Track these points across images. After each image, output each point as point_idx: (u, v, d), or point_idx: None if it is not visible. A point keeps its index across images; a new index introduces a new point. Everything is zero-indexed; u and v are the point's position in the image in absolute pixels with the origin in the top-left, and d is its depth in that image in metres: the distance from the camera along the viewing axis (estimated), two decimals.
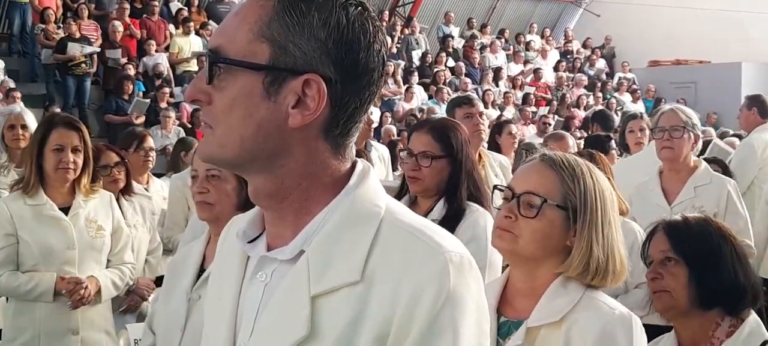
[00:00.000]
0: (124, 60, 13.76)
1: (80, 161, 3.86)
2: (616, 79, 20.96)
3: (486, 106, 14.02)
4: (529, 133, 13.86)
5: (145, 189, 5.40)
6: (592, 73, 21.31)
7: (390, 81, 16.24)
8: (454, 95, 12.03)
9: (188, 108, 13.14)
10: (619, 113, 16.25)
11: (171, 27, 15.11)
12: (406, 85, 16.53)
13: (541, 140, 7.45)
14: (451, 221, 3.12)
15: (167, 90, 13.34)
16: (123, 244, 4.08)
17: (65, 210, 3.85)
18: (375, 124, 10.20)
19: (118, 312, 4.44)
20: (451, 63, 18.54)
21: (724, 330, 2.39)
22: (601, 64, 22.07)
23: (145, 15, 14.94)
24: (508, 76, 19.23)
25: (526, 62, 20.39)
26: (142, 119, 12.46)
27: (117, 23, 13.89)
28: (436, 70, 17.73)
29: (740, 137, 7.78)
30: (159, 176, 6.25)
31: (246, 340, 1.30)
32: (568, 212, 2.08)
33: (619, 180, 3.68)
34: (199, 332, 1.47)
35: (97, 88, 13.88)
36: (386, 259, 1.22)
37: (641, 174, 4.55)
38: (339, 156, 1.30)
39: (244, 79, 1.24)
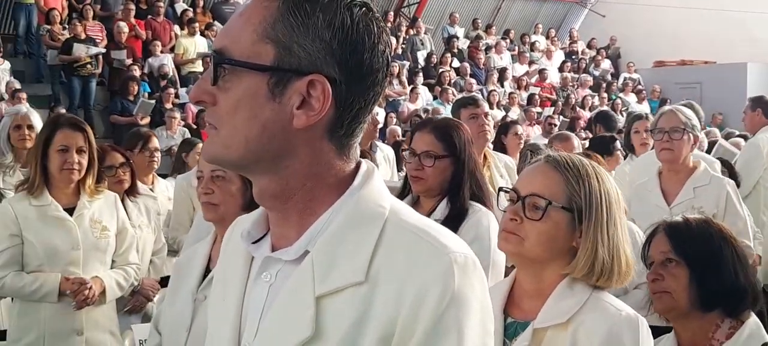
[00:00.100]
0: (129, 61, 13.77)
1: (85, 162, 3.86)
2: (621, 80, 20.93)
3: (491, 107, 13.99)
4: (534, 133, 13.85)
5: (150, 190, 5.41)
6: (597, 73, 21.28)
7: (395, 82, 16.23)
8: (459, 96, 12.03)
9: (193, 109, 13.14)
10: (625, 114, 16.25)
11: (176, 28, 15.12)
12: (411, 86, 16.52)
13: (546, 141, 7.43)
14: (453, 221, 3.12)
15: (172, 91, 13.35)
16: (128, 244, 4.08)
17: (70, 211, 3.86)
18: (380, 125, 10.19)
19: (123, 313, 4.45)
20: (456, 64, 18.53)
21: (724, 332, 2.39)
22: (606, 64, 22.05)
23: (150, 16, 14.95)
24: (513, 76, 19.21)
25: (531, 63, 20.36)
26: (147, 120, 12.47)
27: (122, 24, 13.90)
28: (441, 70, 17.72)
29: (746, 138, 7.76)
30: (164, 176, 6.26)
31: (250, 340, 1.30)
32: (573, 213, 2.07)
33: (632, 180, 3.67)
34: (205, 333, 1.47)
35: (103, 89, 13.90)
36: (391, 259, 1.22)
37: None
38: (343, 156, 1.30)
39: (249, 80, 1.24)
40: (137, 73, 13.53)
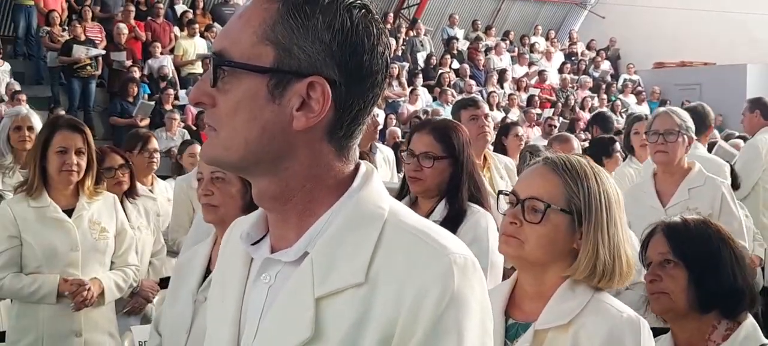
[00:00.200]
0: (129, 62, 13.77)
1: (84, 163, 3.87)
2: (620, 81, 20.94)
3: (491, 109, 13.98)
4: (534, 135, 13.85)
5: (150, 191, 5.41)
6: (596, 75, 21.29)
7: (394, 83, 16.24)
8: (459, 97, 12.03)
9: (193, 110, 13.14)
10: (624, 115, 16.25)
11: (176, 29, 15.13)
12: (411, 88, 16.53)
13: (545, 142, 7.44)
14: (452, 222, 3.13)
15: (172, 92, 13.35)
16: (127, 246, 4.08)
17: (69, 212, 3.86)
18: (380, 127, 10.18)
19: (123, 314, 4.45)
20: (455, 65, 18.53)
21: (721, 333, 2.39)
22: (605, 65, 22.05)
23: (149, 17, 14.94)
24: (513, 77, 19.22)
25: (530, 64, 20.37)
26: (146, 122, 12.46)
27: (122, 26, 13.90)
28: (440, 72, 17.73)
29: (745, 139, 7.76)
30: (164, 178, 6.26)
31: (250, 342, 1.30)
32: (572, 215, 2.07)
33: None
34: (205, 334, 1.47)
35: (102, 90, 13.90)
36: (390, 261, 1.22)
37: None
38: (343, 158, 1.30)
39: (249, 82, 1.24)
40: (137, 74, 13.53)
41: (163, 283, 4.52)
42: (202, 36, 14.92)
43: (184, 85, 14.06)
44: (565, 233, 2.08)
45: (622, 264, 2.09)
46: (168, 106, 12.97)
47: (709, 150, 7.06)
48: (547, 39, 22.23)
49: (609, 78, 21.37)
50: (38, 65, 13.94)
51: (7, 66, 12.79)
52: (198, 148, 6.78)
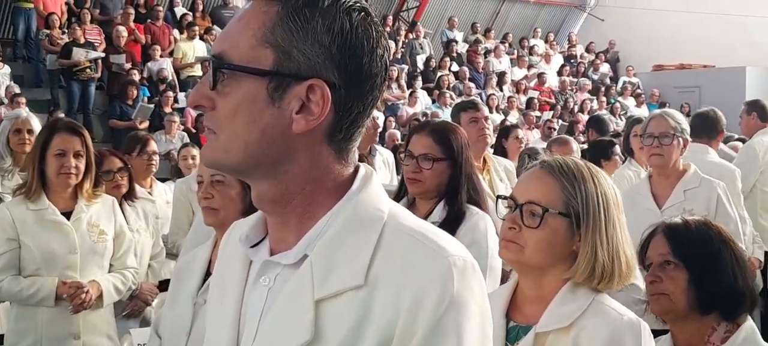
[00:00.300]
0: (128, 65, 13.77)
1: (82, 166, 3.87)
2: (620, 84, 20.95)
3: (490, 111, 13.99)
4: (533, 137, 13.85)
5: (149, 193, 5.41)
6: (596, 77, 21.30)
7: (394, 86, 16.25)
8: (458, 100, 12.03)
9: (193, 113, 13.14)
10: (623, 118, 16.24)
11: (175, 32, 15.14)
12: (410, 90, 16.54)
13: (545, 145, 7.44)
14: (451, 224, 3.12)
15: (171, 95, 13.34)
16: (125, 248, 4.08)
17: (67, 215, 3.86)
18: (380, 129, 10.17)
19: (122, 317, 4.44)
20: (455, 68, 18.55)
21: (720, 335, 2.38)
22: (605, 68, 22.07)
23: (149, 20, 14.96)
24: (512, 80, 19.23)
25: (530, 67, 20.39)
26: (146, 124, 12.45)
27: (121, 28, 13.91)
28: (439, 74, 17.74)
29: (744, 142, 7.76)
30: (163, 180, 6.26)
31: (249, 344, 1.30)
32: (571, 218, 2.07)
33: None
34: (204, 337, 1.47)
35: (102, 93, 13.91)
36: (389, 263, 1.22)
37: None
38: (342, 161, 1.30)
39: (248, 85, 1.24)
40: (136, 77, 13.54)
41: (162, 286, 4.51)
42: (201, 39, 14.93)
43: (183, 88, 14.06)
44: (564, 236, 2.08)
45: (622, 265, 2.09)
46: (167, 109, 12.97)
47: None
48: (546, 42, 22.24)
49: (608, 81, 21.39)
50: (38, 68, 13.94)
51: (6, 69, 12.80)
52: (193, 151, 6.81)
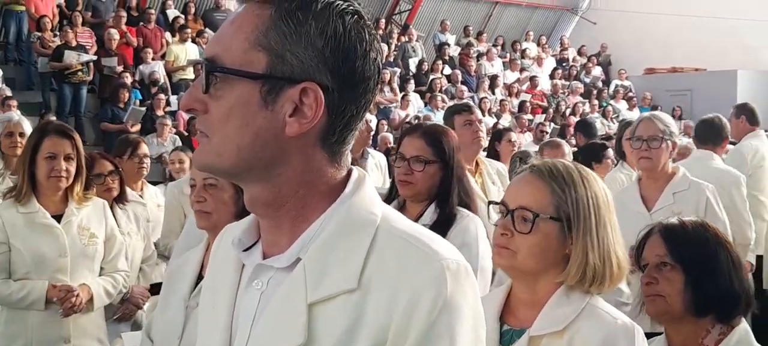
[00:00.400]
0: (120, 68, 13.73)
1: (73, 169, 3.85)
2: (612, 87, 20.99)
3: (482, 114, 13.99)
4: (525, 140, 13.87)
5: (140, 196, 5.39)
6: (588, 80, 21.32)
7: (386, 89, 16.26)
8: (450, 103, 12.03)
9: (184, 116, 13.12)
10: (616, 121, 16.27)
11: (167, 35, 15.11)
12: (402, 93, 16.55)
13: (537, 148, 7.45)
14: (442, 227, 3.13)
15: (163, 98, 13.32)
16: (116, 252, 4.07)
17: (58, 218, 3.85)
18: (373, 132, 10.17)
19: (113, 320, 4.43)
20: (447, 71, 18.56)
21: (714, 338, 2.38)
22: (597, 71, 22.10)
23: (141, 23, 14.93)
24: (504, 83, 19.24)
25: (522, 70, 20.41)
26: (137, 127, 12.42)
27: (113, 31, 13.87)
28: (432, 77, 17.74)
29: (734, 145, 7.79)
30: (155, 183, 6.25)
31: None
32: (562, 222, 2.07)
33: None
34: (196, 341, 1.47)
35: (93, 96, 13.86)
36: (382, 266, 1.22)
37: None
38: (335, 164, 1.30)
39: (241, 88, 1.24)
40: (128, 80, 13.50)
41: (154, 289, 4.50)
42: (193, 42, 14.91)
43: (175, 91, 14.04)
44: (556, 240, 2.08)
45: (613, 267, 2.08)
46: (159, 112, 12.94)
47: None
48: (538, 45, 22.28)
49: (600, 84, 21.42)
50: (29, 71, 13.90)
51: None
52: (182, 155, 6.80)
